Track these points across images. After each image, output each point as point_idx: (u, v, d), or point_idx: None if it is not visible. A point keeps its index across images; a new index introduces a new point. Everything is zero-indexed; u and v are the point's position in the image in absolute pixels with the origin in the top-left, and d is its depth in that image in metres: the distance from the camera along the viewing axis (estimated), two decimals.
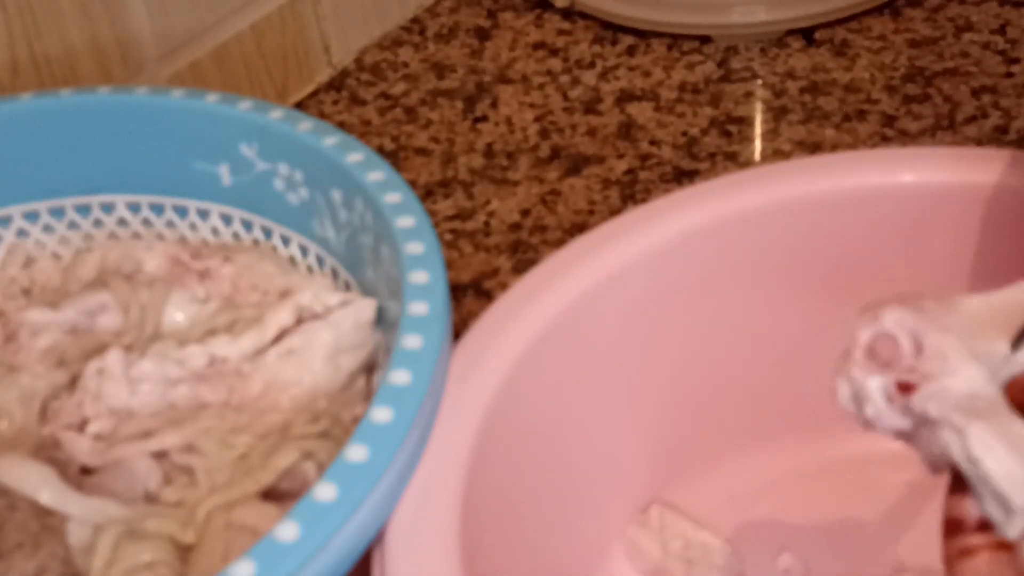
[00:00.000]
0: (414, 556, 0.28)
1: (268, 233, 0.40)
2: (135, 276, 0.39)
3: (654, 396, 0.39)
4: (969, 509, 0.25)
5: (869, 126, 0.55)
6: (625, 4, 0.62)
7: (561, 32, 0.65)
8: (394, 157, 0.57)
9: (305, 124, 0.38)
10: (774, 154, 0.54)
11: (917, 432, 0.27)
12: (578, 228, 0.51)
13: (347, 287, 0.38)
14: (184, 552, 0.32)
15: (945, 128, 0.54)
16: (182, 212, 0.41)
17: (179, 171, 0.41)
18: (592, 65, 0.62)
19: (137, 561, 0.31)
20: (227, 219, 0.41)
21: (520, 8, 0.67)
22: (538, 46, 0.64)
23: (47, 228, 0.42)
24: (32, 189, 0.42)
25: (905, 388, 0.26)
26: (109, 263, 0.40)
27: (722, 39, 0.62)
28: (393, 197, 0.34)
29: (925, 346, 0.26)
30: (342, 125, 0.59)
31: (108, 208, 0.42)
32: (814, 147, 0.54)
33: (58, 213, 0.42)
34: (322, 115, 0.60)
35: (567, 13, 0.66)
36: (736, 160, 0.54)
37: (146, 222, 0.42)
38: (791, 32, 0.61)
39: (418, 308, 0.31)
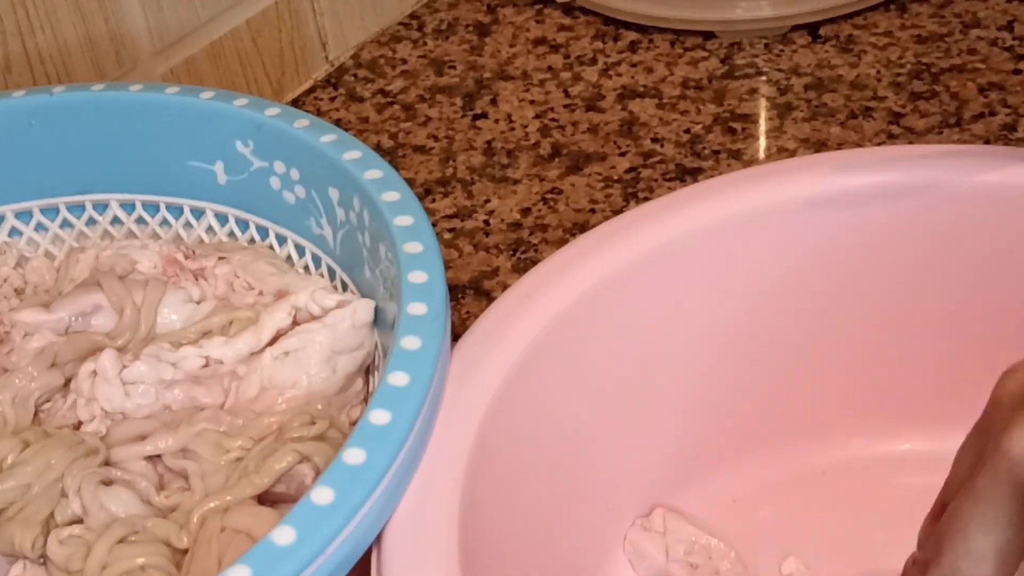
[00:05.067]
0: (413, 559, 0.28)
1: (264, 232, 0.40)
2: (129, 276, 0.39)
3: (656, 398, 0.38)
4: None
5: (875, 123, 0.54)
6: None
7: (562, 28, 0.64)
8: (392, 155, 0.56)
9: (302, 121, 0.37)
10: (779, 152, 0.53)
11: None
12: (579, 227, 0.51)
13: (344, 287, 0.38)
14: (179, 556, 0.32)
15: (952, 125, 0.53)
16: (176, 211, 0.41)
17: (173, 169, 0.40)
18: (594, 61, 0.61)
19: (131, 564, 0.31)
20: (222, 218, 0.41)
21: (520, 3, 0.66)
22: (539, 42, 0.63)
23: (40, 227, 0.42)
24: (25, 187, 0.41)
25: None
26: (103, 262, 0.40)
27: (726, 35, 0.61)
28: (391, 195, 0.34)
29: None
30: (339, 122, 0.59)
31: (101, 207, 0.41)
32: (819, 145, 0.53)
33: (51, 212, 0.42)
34: (319, 112, 0.60)
35: (568, 8, 0.65)
36: (740, 158, 0.53)
37: (140, 221, 0.42)
38: (796, 28, 0.61)
39: (416, 308, 0.31)
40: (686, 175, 0.53)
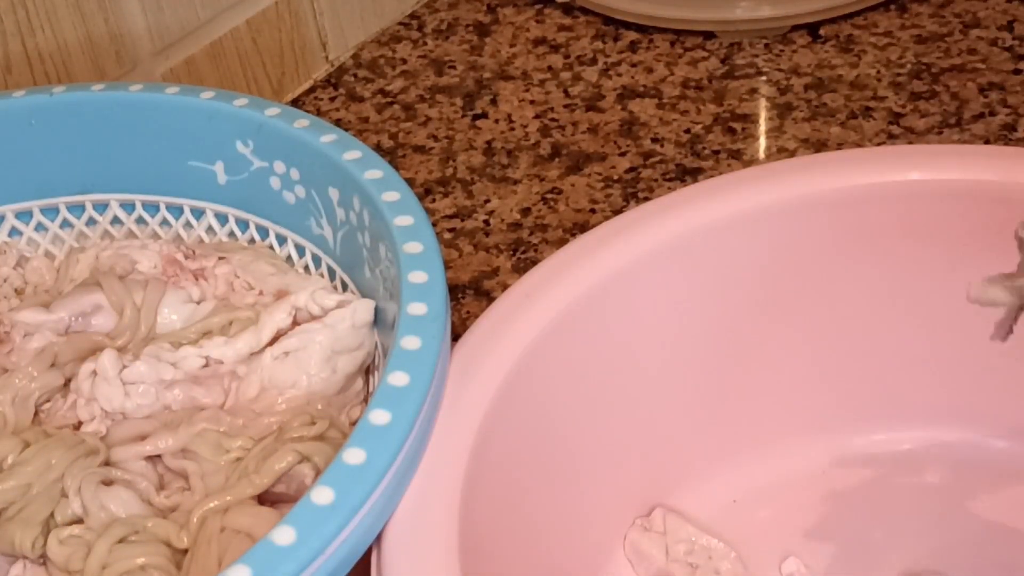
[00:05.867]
0: (412, 559, 0.28)
1: (264, 232, 0.40)
2: (129, 276, 0.39)
3: (656, 397, 0.38)
4: None
5: (875, 123, 0.54)
6: None
7: (562, 27, 0.64)
8: (392, 155, 0.56)
9: (302, 121, 0.37)
10: (779, 152, 0.53)
11: None
12: (579, 227, 0.51)
13: (344, 287, 0.38)
14: (179, 556, 0.32)
15: (952, 125, 0.53)
16: (176, 211, 0.41)
17: (173, 169, 0.40)
18: (594, 61, 0.61)
19: (131, 564, 0.31)
20: (222, 218, 0.41)
21: (520, 3, 0.66)
22: (539, 42, 0.63)
23: (40, 227, 0.42)
24: (25, 187, 0.41)
25: None
26: (103, 262, 0.40)
27: (726, 35, 0.61)
28: (391, 195, 0.34)
29: None
30: (339, 122, 0.59)
31: (101, 207, 0.41)
32: (819, 145, 0.53)
33: (51, 212, 0.42)
34: (319, 112, 0.60)
35: (568, 8, 0.65)
36: (740, 158, 0.53)
37: (140, 221, 0.42)
38: (796, 28, 0.61)
39: (416, 308, 0.31)
40: (686, 175, 0.53)
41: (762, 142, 0.54)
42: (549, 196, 0.53)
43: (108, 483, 0.33)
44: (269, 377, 0.35)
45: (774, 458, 0.40)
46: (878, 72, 0.57)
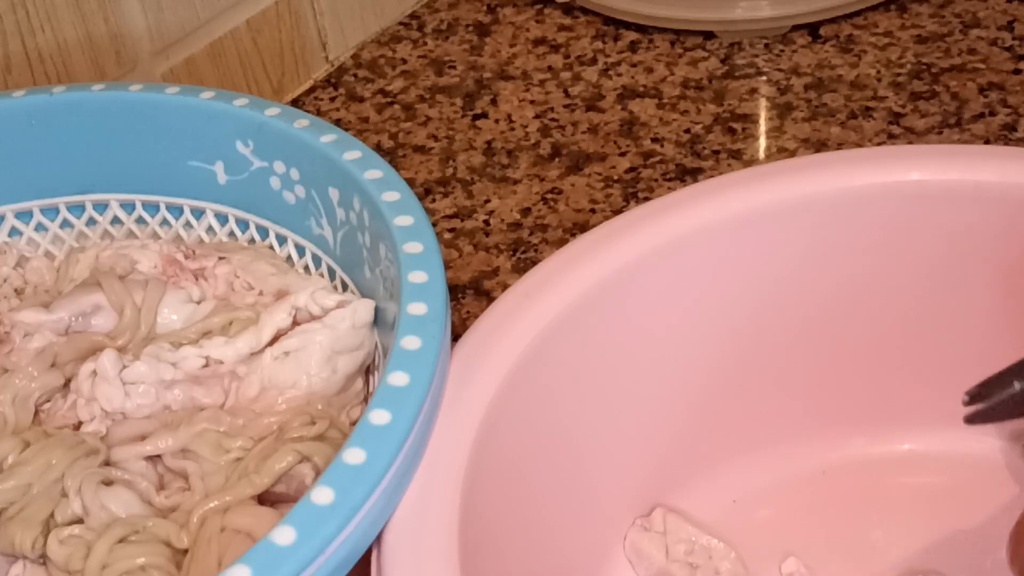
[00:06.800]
0: (412, 560, 0.28)
1: (264, 232, 0.40)
2: (129, 276, 0.39)
3: (656, 398, 0.38)
4: None
5: (875, 123, 0.54)
6: None
7: (562, 27, 0.64)
8: (392, 155, 0.56)
9: (302, 121, 0.37)
10: (779, 152, 0.53)
11: None
12: (579, 227, 0.51)
13: (344, 287, 0.38)
14: (179, 556, 0.32)
15: (952, 126, 0.53)
16: (176, 211, 0.41)
17: (173, 169, 0.40)
18: (594, 61, 0.61)
19: (131, 564, 0.31)
20: (222, 218, 0.41)
21: (520, 3, 0.66)
22: (539, 42, 0.63)
23: (40, 227, 0.42)
24: (25, 187, 0.41)
25: None
26: (103, 262, 0.40)
27: (726, 35, 0.61)
28: (391, 195, 0.34)
29: None
30: (339, 122, 0.59)
31: (101, 207, 0.41)
32: (819, 145, 0.53)
33: (51, 212, 0.42)
34: (319, 112, 0.60)
35: (568, 8, 0.65)
36: (740, 158, 0.53)
37: (140, 221, 0.42)
38: (796, 28, 0.61)
39: (417, 308, 0.31)
40: (686, 175, 0.53)
41: (762, 142, 0.54)
42: (549, 196, 0.53)
43: (108, 483, 0.33)
44: (269, 377, 0.35)
45: (774, 458, 0.40)
46: (878, 72, 0.57)
